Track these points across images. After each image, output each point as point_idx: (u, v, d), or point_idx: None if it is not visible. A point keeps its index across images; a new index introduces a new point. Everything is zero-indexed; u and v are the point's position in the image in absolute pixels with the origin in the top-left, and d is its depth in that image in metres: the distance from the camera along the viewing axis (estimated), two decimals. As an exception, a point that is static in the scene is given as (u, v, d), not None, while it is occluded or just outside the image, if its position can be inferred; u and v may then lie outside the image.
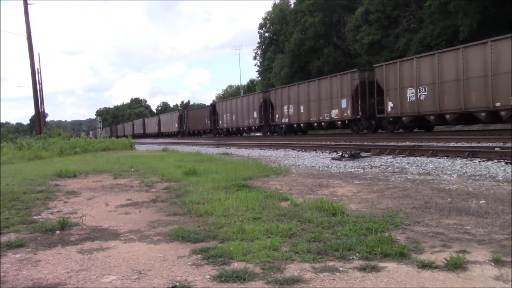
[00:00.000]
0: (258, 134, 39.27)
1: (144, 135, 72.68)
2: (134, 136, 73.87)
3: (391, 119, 22.55)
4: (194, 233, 4.12)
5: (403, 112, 21.47)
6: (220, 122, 42.74)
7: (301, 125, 30.55)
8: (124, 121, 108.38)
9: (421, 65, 20.25)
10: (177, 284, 2.89)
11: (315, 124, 28.85)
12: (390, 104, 22.16)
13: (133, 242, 4.04)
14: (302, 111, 29.81)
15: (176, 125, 56.45)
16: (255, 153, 16.32)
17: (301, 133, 33.14)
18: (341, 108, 25.64)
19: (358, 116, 24.64)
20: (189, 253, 3.59)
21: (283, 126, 32.98)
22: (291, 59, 45.79)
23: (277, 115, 33.58)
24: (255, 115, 35.30)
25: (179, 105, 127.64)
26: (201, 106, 58.40)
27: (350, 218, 4.37)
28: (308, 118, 29.10)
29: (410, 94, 20.88)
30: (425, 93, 20.08)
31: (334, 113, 26.35)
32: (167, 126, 61.15)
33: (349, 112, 25.06)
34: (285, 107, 32.19)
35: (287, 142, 20.68)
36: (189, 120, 52.98)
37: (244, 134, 41.90)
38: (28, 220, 5.12)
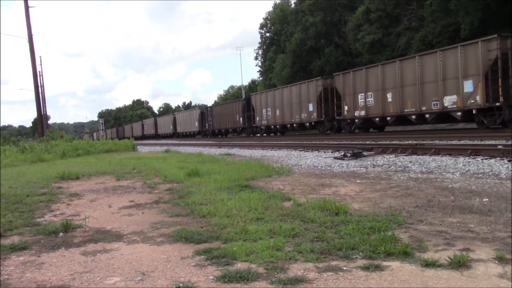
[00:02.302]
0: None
1: (156, 136, 65.90)
2: (144, 137, 69.83)
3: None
4: (197, 234, 4.12)
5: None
6: (258, 118, 36.67)
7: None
8: (126, 122, 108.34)
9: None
10: (181, 285, 2.89)
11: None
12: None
13: (136, 244, 4.05)
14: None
15: (197, 124, 50.05)
16: (257, 153, 16.32)
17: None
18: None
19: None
20: (192, 254, 3.60)
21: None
22: (292, 59, 45.71)
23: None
24: (311, 108, 29.43)
25: (181, 106, 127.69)
26: (230, 101, 50.00)
27: (353, 218, 4.37)
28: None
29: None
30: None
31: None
32: (184, 126, 54.56)
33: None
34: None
35: (289, 142, 20.68)
36: (214, 118, 46.18)
37: (292, 132, 36.72)
38: (31, 223, 5.13)
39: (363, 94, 23.86)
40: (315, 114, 28.36)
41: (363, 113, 24.11)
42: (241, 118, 39.84)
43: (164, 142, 40.99)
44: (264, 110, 35.15)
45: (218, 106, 48.21)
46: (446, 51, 19.39)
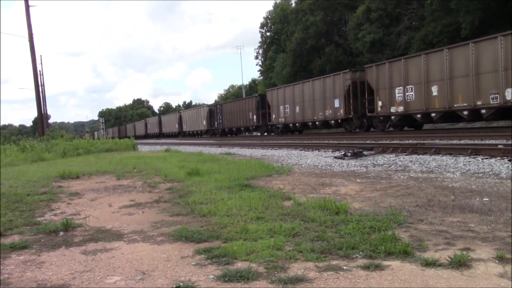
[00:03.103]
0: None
1: (161, 135, 63.51)
2: (148, 136, 68.15)
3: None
4: (197, 233, 4.12)
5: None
6: (274, 116, 33.47)
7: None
8: (126, 121, 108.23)
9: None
10: (181, 284, 2.89)
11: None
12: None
13: (136, 243, 4.05)
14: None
15: (205, 122, 47.14)
16: (257, 152, 16.32)
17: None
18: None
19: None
20: (192, 253, 3.60)
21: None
22: (292, 58, 45.73)
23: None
24: (337, 104, 26.08)
25: (181, 106, 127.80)
26: (242, 97, 46.09)
27: (353, 217, 4.36)
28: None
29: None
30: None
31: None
32: (191, 124, 51.80)
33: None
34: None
35: (289, 142, 20.69)
36: (224, 116, 43.09)
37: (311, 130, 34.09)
38: (31, 222, 5.13)
39: (401, 87, 21.13)
40: (341, 111, 25.43)
41: (401, 109, 21.32)
42: (254, 116, 36.66)
43: (164, 142, 40.97)
44: (281, 107, 32.08)
45: (228, 103, 44.46)
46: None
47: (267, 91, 35.45)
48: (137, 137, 70.56)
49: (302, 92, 29.50)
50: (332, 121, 26.87)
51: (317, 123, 28.45)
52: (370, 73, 23.44)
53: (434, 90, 19.47)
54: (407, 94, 20.94)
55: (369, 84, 23.55)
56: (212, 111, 46.29)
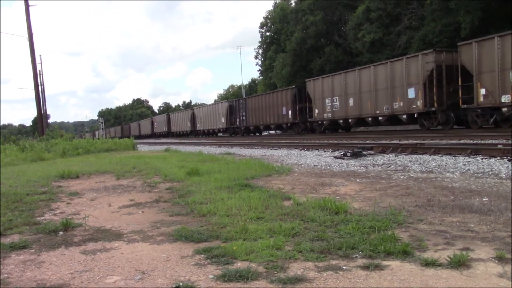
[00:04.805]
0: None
1: (169, 134, 59.19)
2: (154, 135, 65.04)
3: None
4: (197, 233, 4.12)
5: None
6: (317, 111, 27.90)
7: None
8: (126, 121, 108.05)
9: None
10: (181, 284, 2.89)
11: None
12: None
13: (136, 243, 4.05)
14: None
15: (223, 120, 41.92)
16: (257, 152, 16.32)
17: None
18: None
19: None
20: (192, 253, 3.60)
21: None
22: (292, 58, 45.71)
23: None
24: (411, 94, 20.94)
25: (181, 105, 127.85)
26: (273, 90, 38.60)
27: (353, 217, 4.36)
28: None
29: None
30: None
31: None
32: (207, 122, 46.53)
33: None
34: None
35: (289, 142, 20.68)
36: (249, 112, 37.53)
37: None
38: (31, 222, 5.13)
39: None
40: (419, 103, 20.34)
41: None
42: (289, 111, 31.24)
43: (164, 142, 40.95)
44: (327, 100, 26.70)
45: (255, 98, 38.40)
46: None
47: (308, 82, 29.49)
48: (142, 137, 69.66)
49: (357, 81, 24.19)
50: (404, 116, 21.62)
51: (380, 118, 23.15)
52: (465, 53, 18.20)
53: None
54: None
55: (464, 67, 18.36)
56: (233, 107, 41.07)
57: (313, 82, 28.68)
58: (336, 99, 26.06)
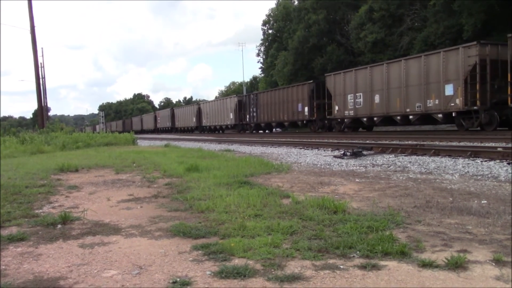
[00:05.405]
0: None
1: (173, 130, 57.75)
2: (157, 130, 63.76)
3: None
4: (195, 229, 4.12)
5: None
6: (337, 108, 26.21)
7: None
8: (127, 116, 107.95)
9: None
10: (178, 279, 2.89)
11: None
12: None
13: (134, 237, 4.05)
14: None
15: (232, 115, 40.36)
16: (257, 150, 16.31)
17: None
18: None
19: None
20: (190, 249, 3.60)
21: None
22: (294, 57, 45.72)
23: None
24: (449, 91, 19.16)
25: (181, 101, 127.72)
26: (288, 85, 36.01)
27: (351, 216, 4.37)
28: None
29: None
30: None
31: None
32: (213, 118, 45.02)
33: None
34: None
35: (289, 140, 20.68)
36: (260, 108, 35.96)
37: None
38: (29, 214, 5.13)
39: None
40: (458, 100, 18.56)
41: None
42: (306, 108, 29.31)
43: (164, 137, 40.91)
44: (349, 96, 24.99)
45: (267, 93, 36.43)
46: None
47: (327, 76, 27.61)
48: (144, 132, 69.18)
49: (385, 76, 22.37)
50: (440, 115, 19.70)
51: (410, 117, 21.41)
52: None
53: None
54: None
55: None
56: (243, 102, 39.36)
57: (333, 76, 26.77)
58: (360, 95, 24.27)
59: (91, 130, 72.01)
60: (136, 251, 3.61)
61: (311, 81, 31.26)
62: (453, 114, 19.10)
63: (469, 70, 18.03)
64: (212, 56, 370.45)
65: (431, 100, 19.96)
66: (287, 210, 4.77)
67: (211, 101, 51.78)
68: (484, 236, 3.72)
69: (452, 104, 18.93)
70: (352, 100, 24.88)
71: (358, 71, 24.78)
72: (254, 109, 36.99)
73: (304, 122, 30.80)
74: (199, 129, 49.76)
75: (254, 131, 37.65)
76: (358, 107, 24.56)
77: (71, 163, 10.17)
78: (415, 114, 20.94)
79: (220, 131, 45.10)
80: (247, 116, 38.38)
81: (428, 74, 20.00)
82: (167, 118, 60.18)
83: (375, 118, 23.73)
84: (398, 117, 22.11)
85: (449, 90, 18.99)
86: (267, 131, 37.64)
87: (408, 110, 21.22)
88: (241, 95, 44.66)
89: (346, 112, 25.44)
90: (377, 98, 23.18)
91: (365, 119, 24.37)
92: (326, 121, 28.42)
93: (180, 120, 55.92)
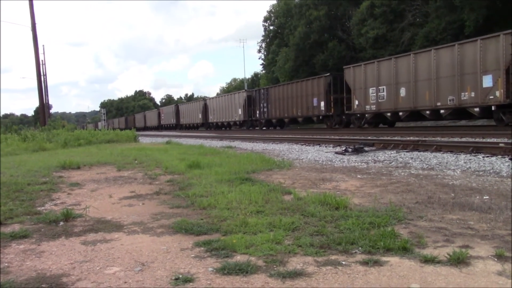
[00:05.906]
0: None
1: (177, 127, 56.43)
2: (161, 127, 62.82)
3: None
4: (197, 225, 4.13)
5: None
6: (357, 102, 24.39)
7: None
8: (128, 113, 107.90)
9: None
10: (180, 276, 2.90)
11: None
12: None
13: (136, 234, 4.06)
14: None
15: (240, 111, 38.55)
16: (258, 146, 16.31)
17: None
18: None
19: None
20: (192, 245, 3.61)
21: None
22: (295, 53, 45.57)
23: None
24: (487, 83, 17.35)
25: (183, 98, 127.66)
26: (303, 79, 32.84)
27: (353, 212, 4.37)
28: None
29: None
30: None
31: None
32: (220, 114, 43.29)
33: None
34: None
35: (290, 136, 20.67)
36: (271, 104, 34.26)
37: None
38: (32, 211, 5.15)
39: None
40: (498, 93, 16.85)
41: None
42: (322, 103, 27.58)
43: (166, 134, 40.90)
44: (371, 90, 23.19)
45: (279, 87, 34.22)
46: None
47: (346, 69, 25.74)
48: (148, 128, 68.82)
49: (412, 68, 20.66)
50: (476, 109, 17.93)
51: (442, 111, 19.49)
52: None
53: None
54: None
55: None
56: (252, 97, 37.49)
57: (353, 69, 24.85)
58: (383, 88, 22.54)
59: (93, 127, 71.90)
60: (138, 248, 3.61)
61: (328, 74, 29.02)
62: (492, 108, 17.19)
63: (511, 59, 16.26)
64: (213, 52, 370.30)
65: (466, 93, 18.08)
66: (289, 206, 4.77)
67: (218, 96, 49.75)
68: (486, 231, 3.71)
69: (491, 97, 17.08)
70: (375, 94, 23.09)
71: (381, 63, 23.03)
72: (265, 104, 35.24)
73: (320, 117, 29.00)
74: (205, 125, 48.06)
75: (264, 128, 36.24)
76: (381, 101, 22.79)
77: (73, 160, 10.18)
78: (447, 108, 19.07)
79: (228, 128, 43.48)
80: (257, 112, 36.47)
81: (462, 65, 18.17)
82: (172, 114, 58.80)
83: (400, 113, 21.88)
84: (427, 112, 20.20)
85: (487, 81, 17.16)
86: (278, 127, 35.80)
87: (439, 104, 19.35)
88: (250, 90, 42.51)
89: (368, 107, 23.65)
90: (403, 91, 21.38)
91: (389, 114, 22.51)
92: (344, 117, 26.82)
93: (185, 116, 54.27)
